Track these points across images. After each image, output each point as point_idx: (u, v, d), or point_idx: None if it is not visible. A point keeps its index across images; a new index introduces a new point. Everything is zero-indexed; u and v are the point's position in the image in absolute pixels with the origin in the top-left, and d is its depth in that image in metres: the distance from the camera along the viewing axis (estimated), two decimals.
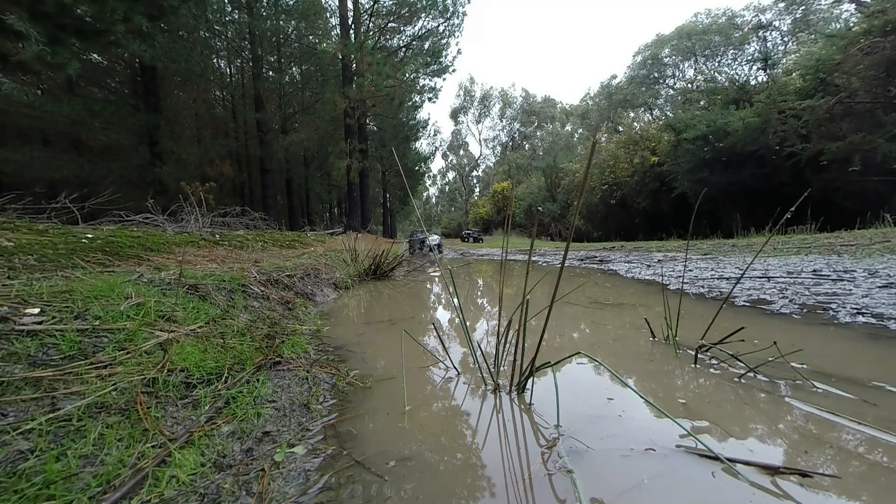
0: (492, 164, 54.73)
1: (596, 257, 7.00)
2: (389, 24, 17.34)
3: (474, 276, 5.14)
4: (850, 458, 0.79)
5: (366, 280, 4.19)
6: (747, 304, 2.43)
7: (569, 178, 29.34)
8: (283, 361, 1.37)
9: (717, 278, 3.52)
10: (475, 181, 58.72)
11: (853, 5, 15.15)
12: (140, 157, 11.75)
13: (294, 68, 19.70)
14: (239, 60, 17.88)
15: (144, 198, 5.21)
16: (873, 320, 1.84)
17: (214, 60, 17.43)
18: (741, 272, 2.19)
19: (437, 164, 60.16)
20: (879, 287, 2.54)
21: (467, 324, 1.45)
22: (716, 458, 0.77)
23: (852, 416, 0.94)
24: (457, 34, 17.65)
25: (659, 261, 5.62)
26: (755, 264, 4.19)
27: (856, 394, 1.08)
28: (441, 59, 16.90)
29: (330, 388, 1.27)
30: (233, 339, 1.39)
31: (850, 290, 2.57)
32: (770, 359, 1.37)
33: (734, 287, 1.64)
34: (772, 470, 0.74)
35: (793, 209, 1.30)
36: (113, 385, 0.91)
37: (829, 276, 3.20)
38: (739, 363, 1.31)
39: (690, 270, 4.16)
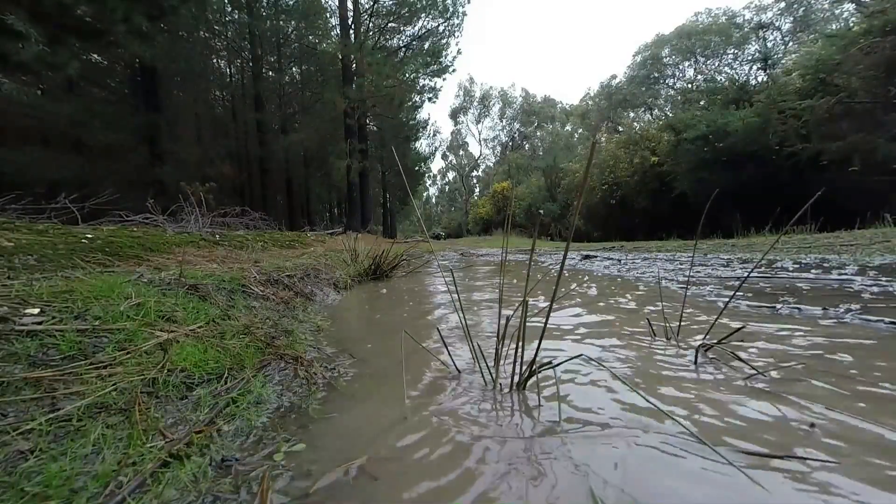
0: (492, 164, 54.67)
1: (597, 257, 6.99)
2: (389, 24, 17.34)
3: (475, 276, 5.13)
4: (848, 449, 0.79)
5: (366, 280, 4.18)
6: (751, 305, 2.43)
7: (569, 178, 29.32)
8: (283, 361, 1.37)
9: (716, 277, 3.53)
10: (475, 181, 58.68)
11: (853, 5, 15.15)
12: (140, 158, 11.73)
13: (294, 68, 19.72)
14: (239, 60, 17.89)
15: (144, 198, 5.20)
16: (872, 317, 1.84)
17: (214, 60, 17.44)
18: (746, 274, 2.21)
19: (436, 164, 60.08)
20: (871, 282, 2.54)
21: (469, 323, 1.45)
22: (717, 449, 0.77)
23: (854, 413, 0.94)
24: (457, 34, 17.65)
25: (645, 259, 5.62)
26: (750, 265, 4.18)
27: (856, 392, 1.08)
28: (441, 59, 16.91)
29: (330, 387, 1.27)
30: (233, 339, 1.39)
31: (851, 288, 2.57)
32: (770, 360, 1.37)
33: (741, 285, 1.64)
34: (767, 456, 0.74)
35: (804, 209, 1.29)
36: (113, 385, 0.91)
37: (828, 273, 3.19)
38: (744, 364, 1.31)
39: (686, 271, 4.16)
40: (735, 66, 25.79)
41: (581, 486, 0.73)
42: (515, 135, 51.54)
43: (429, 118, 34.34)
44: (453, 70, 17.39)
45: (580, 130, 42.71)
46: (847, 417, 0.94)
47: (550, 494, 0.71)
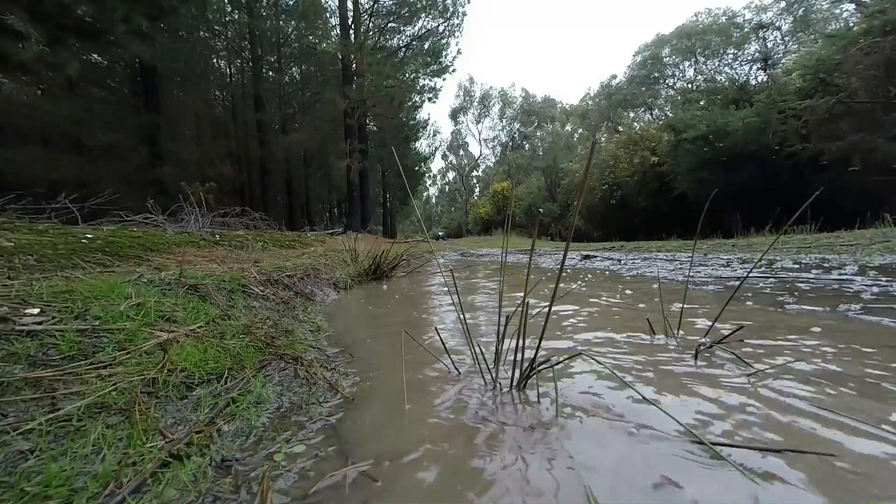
0: (492, 164, 54.67)
1: (597, 257, 7.00)
2: (389, 24, 17.35)
3: (475, 276, 5.13)
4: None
5: (366, 280, 4.18)
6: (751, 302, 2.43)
7: (569, 178, 29.33)
8: (283, 362, 1.37)
9: (716, 277, 3.53)
10: (475, 181, 58.69)
11: (853, 5, 15.16)
12: (140, 158, 11.74)
13: (294, 68, 19.73)
14: (239, 60, 17.90)
15: (144, 198, 5.20)
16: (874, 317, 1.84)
17: (214, 60, 17.45)
18: (745, 274, 2.20)
19: (436, 164, 60.11)
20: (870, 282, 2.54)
21: (469, 323, 1.45)
22: (716, 444, 0.77)
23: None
24: (457, 34, 17.68)
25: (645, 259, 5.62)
26: (749, 265, 4.19)
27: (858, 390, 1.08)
28: (441, 59, 16.93)
29: (330, 387, 1.27)
30: (233, 339, 1.39)
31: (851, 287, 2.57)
32: (769, 358, 1.37)
33: (740, 285, 1.64)
34: (763, 450, 0.74)
35: (803, 208, 1.29)
36: (113, 385, 0.91)
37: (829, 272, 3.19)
38: (743, 362, 1.31)
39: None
40: (735, 66, 25.81)
41: (579, 485, 0.73)
42: (515, 135, 51.52)
43: (429, 118, 34.40)
44: (453, 70, 17.43)
45: (580, 130, 42.71)
46: (846, 417, 0.94)
47: (549, 497, 0.71)
